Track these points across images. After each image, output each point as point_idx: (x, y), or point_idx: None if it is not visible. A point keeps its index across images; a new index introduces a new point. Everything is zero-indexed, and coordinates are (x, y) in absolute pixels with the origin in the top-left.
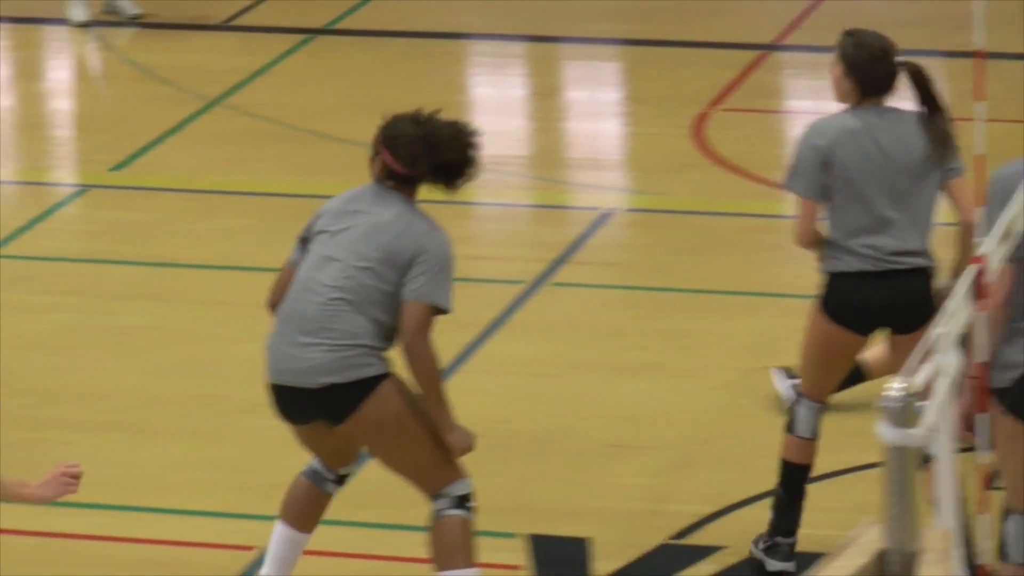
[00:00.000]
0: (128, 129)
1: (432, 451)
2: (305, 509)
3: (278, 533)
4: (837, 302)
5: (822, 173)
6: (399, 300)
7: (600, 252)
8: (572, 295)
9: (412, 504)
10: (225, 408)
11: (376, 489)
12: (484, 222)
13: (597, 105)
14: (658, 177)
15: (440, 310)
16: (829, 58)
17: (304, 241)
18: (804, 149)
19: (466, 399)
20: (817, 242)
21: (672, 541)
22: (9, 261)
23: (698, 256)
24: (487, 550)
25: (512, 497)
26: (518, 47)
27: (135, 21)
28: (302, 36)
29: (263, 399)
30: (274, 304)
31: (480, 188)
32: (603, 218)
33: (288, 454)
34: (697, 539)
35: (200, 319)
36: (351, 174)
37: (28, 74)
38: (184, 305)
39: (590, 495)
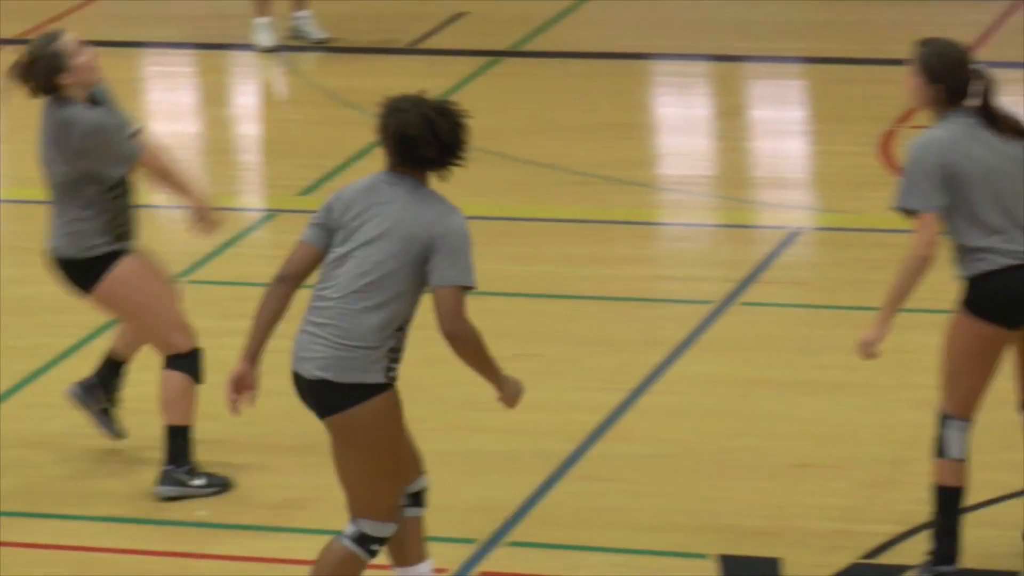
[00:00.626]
0: (315, 153)
1: (380, 481)
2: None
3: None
4: (988, 300)
5: (941, 186)
6: (419, 289)
7: (788, 271)
8: (760, 314)
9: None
10: (419, 431)
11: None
12: (672, 242)
13: (782, 124)
14: (845, 195)
15: (468, 288)
16: (1007, 73)
17: (319, 227)
18: (920, 165)
19: (656, 419)
20: (936, 255)
21: (863, 561)
22: (198, 286)
23: (886, 273)
24: (679, 570)
25: (702, 517)
26: (702, 66)
27: (321, 45)
28: (487, 58)
29: (459, 422)
30: (282, 279)
31: (667, 208)
32: (791, 237)
33: (485, 474)
34: (888, 559)
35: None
36: (537, 194)
37: (215, 99)
38: None
39: (780, 515)
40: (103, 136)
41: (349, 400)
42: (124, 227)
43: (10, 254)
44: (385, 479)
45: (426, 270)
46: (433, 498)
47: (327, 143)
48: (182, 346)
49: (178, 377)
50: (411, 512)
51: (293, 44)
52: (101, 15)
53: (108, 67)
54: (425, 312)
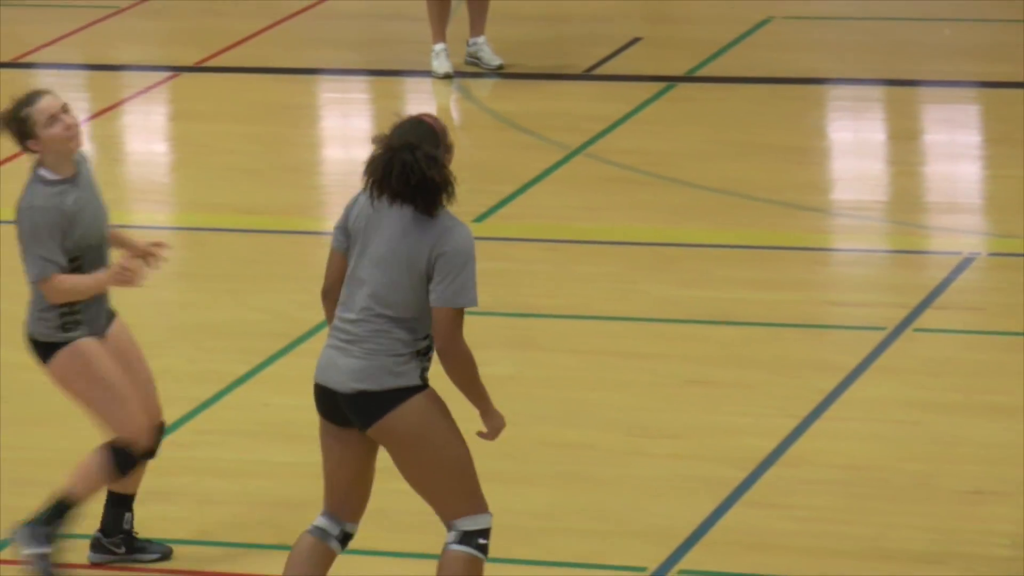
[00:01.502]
0: (490, 179)
1: (451, 478)
2: (312, 567)
3: None
4: None
5: None
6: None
7: (962, 296)
8: (933, 340)
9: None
10: (589, 457)
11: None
12: (844, 267)
13: (956, 147)
14: (1019, 220)
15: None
16: None
17: (340, 230)
18: None
19: (827, 444)
20: None
21: None
22: None
23: None
24: None
25: (873, 544)
26: (876, 91)
27: (497, 71)
28: (663, 83)
29: (629, 447)
30: (326, 293)
31: (840, 233)
32: (965, 262)
33: (655, 501)
34: None
35: (560, 368)
36: (710, 219)
37: (388, 125)
38: (545, 353)
39: (951, 542)
40: (34, 220)
41: (388, 405)
42: (78, 316)
43: (183, 280)
44: (453, 472)
45: (428, 289)
46: (603, 525)
47: (502, 169)
48: (134, 443)
49: (105, 459)
50: (457, 549)
51: (469, 70)
52: (277, 41)
53: (284, 93)
54: (591, 336)
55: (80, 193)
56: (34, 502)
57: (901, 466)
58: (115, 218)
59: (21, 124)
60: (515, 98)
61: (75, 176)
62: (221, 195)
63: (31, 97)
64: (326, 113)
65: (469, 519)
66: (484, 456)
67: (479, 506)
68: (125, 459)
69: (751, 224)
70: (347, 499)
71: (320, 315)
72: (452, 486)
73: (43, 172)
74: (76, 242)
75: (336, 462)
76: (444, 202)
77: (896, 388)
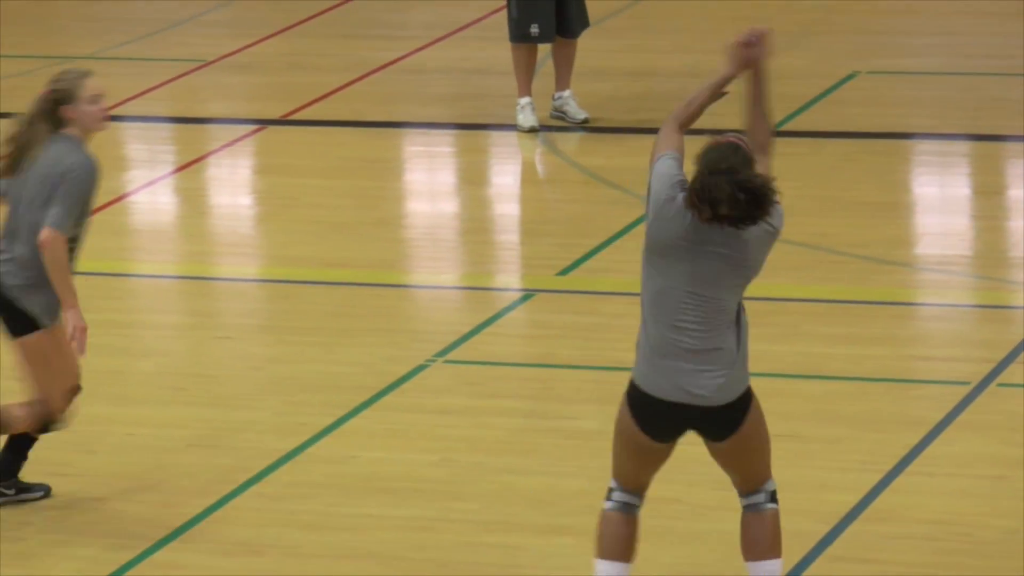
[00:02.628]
0: (575, 233)
1: (767, 449)
2: (628, 540)
3: (606, 572)
4: None
5: None
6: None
7: None
8: (1019, 395)
9: None
10: (676, 511)
11: None
12: (930, 322)
13: None
14: None
15: None
16: None
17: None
18: None
19: (913, 499)
20: None
21: None
22: (455, 366)
23: None
24: None
25: None
26: (962, 146)
27: (583, 125)
28: None
29: (713, 502)
30: None
31: (925, 288)
32: None
33: (734, 557)
34: None
35: None
36: (794, 274)
37: (475, 179)
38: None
39: None
40: (83, 179)
41: (745, 406)
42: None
43: (270, 333)
44: (767, 443)
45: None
46: None
47: (587, 222)
48: (53, 413)
49: (25, 414)
50: (772, 507)
51: (555, 124)
52: (364, 95)
53: (371, 147)
54: None
55: None
56: None
57: (988, 521)
58: (199, 271)
59: (68, 89)
60: (600, 152)
61: None
62: (307, 248)
63: (84, 72)
64: (412, 167)
65: (772, 481)
66: (570, 513)
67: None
68: (47, 424)
69: (838, 279)
70: (645, 484)
71: (406, 368)
72: (767, 456)
73: (72, 140)
74: (78, 219)
75: (645, 467)
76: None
77: (982, 443)
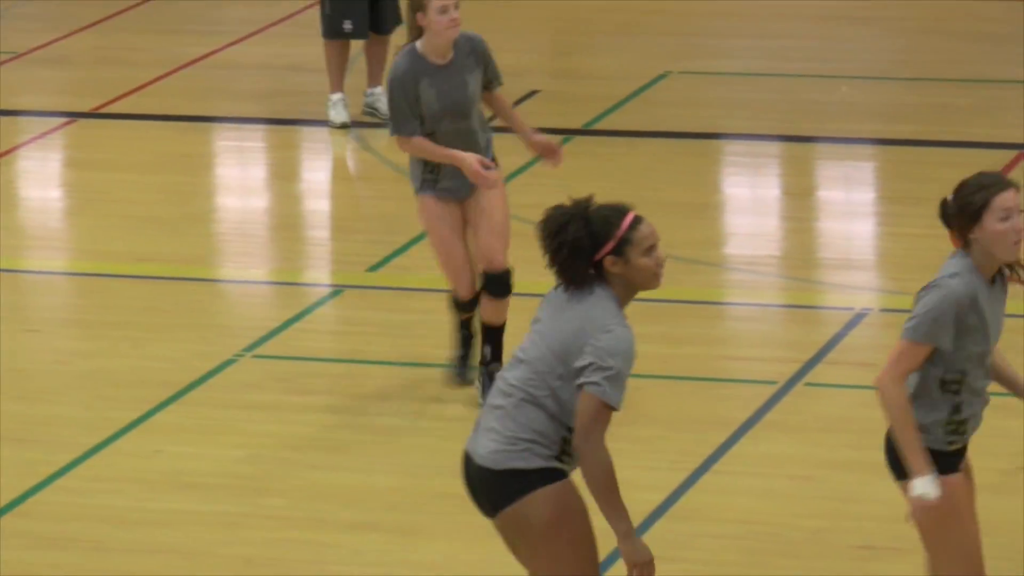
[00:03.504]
0: (385, 229)
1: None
2: None
3: None
4: None
5: None
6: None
7: (854, 352)
8: (826, 395)
9: None
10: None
11: None
12: (739, 322)
13: (852, 205)
14: (914, 278)
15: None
16: None
17: None
18: None
19: (719, 499)
20: None
21: None
22: (263, 360)
23: None
24: None
25: None
26: (774, 147)
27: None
28: (559, 136)
29: None
30: None
31: (734, 288)
32: (857, 318)
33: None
34: None
35: (457, 420)
36: None
37: (286, 175)
38: (440, 405)
39: None
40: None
41: (515, 491)
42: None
43: (79, 327)
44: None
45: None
46: None
47: (397, 219)
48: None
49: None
50: None
51: (366, 120)
52: (174, 90)
53: (180, 142)
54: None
55: (438, 77)
56: None
57: (794, 521)
58: (8, 263)
59: None
60: None
61: (448, 63)
62: (117, 243)
63: None
64: (223, 162)
65: None
66: (379, 509)
67: None
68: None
69: None
70: None
71: (214, 363)
72: None
73: (415, 46)
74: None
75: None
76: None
77: (788, 443)
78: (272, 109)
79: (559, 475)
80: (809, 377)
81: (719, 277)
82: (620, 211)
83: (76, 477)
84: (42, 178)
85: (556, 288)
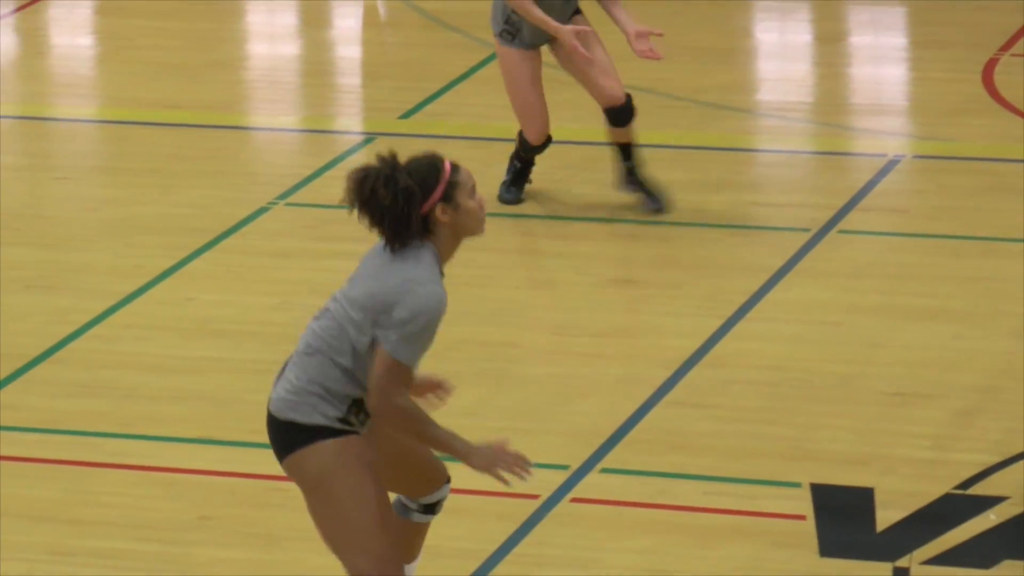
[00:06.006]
0: (416, 77)
1: (345, 531)
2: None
3: None
4: None
5: None
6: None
7: (886, 199)
8: (858, 242)
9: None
10: (515, 355)
11: None
12: (770, 168)
13: (883, 50)
14: (946, 123)
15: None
16: None
17: None
18: None
19: (751, 345)
20: None
21: (956, 491)
22: (297, 209)
23: (987, 202)
24: (770, 498)
25: (795, 445)
26: None
27: None
28: None
29: (552, 347)
30: None
31: (765, 135)
32: (890, 165)
33: (578, 400)
34: (981, 489)
35: (484, 266)
36: (639, 119)
37: (315, 22)
38: (468, 252)
39: (873, 443)
40: None
41: (294, 441)
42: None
43: (107, 175)
44: (346, 526)
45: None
46: (527, 424)
47: (427, 66)
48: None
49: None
50: (419, 518)
51: None
52: None
53: None
54: (515, 235)
55: None
56: None
57: (824, 367)
58: (36, 111)
59: None
60: None
61: None
62: (145, 89)
63: None
64: (250, 8)
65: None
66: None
67: (384, 566)
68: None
69: (676, 124)
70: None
71: (246, 211)
72: (346, 541)
73: None
74: None
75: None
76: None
77: (820, 290)
78: None
79: (339, 434)
80: (842, 224)
81: (749, 123)
82: (437, 158)
83: (108, 325)
84: (69, 25)
85: (378, 245)
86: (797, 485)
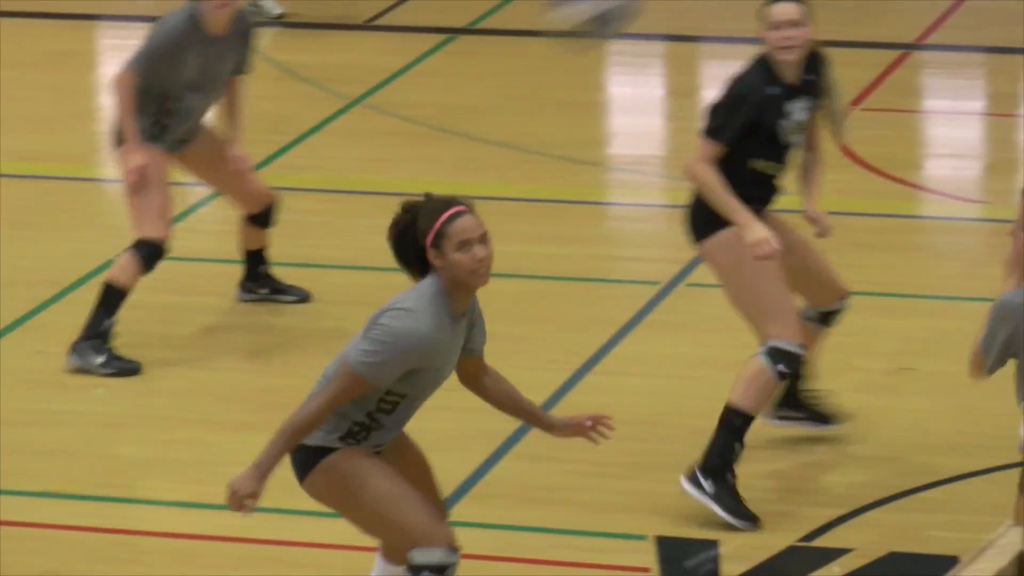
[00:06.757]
0: (269, 129)
1: (378, 515)
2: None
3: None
4: None
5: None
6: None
7: None
8: (707, 295)
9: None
10: None
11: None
12: (621, 222)
13: None
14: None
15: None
16: (971, 58)
17: None
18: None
19: (601, 399)
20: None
21: (800, 543)
22: None
23: (839, 256)
24: (616, 552)
25: (641, 498)
26: (657, 47)
27: (278, 20)
28: (444, 36)
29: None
30: None
31: (617, 188)
32: None
33: (429, 452)
34: (825, 541)
35: (345, 319)
36: (492, 173)
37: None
38: (328, 306)
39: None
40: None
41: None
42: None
43: None
44: (378, 512)
45: None
46: None
47: (282, 119)
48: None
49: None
50: None
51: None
52: None
53: (65, 40)
54: (374, 289)
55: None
56: None
57: (674, 420)
58: None
59: None
60: (296, 48)
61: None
62: (1, 140)
63: None
64: (106, 60)
65: (419, 552)
66: (258, 410)
67: (429, 538)
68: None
69: (532, 178)
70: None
71: (96, 263)
72: (383, 524)
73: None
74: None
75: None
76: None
77: (671, 342)
78: (155, 7)
79: (327, 450)
80: (691, 278)
81: (603, 177)
82: (446, 204)
83: None
84: None
85: None
86: (642, 538)
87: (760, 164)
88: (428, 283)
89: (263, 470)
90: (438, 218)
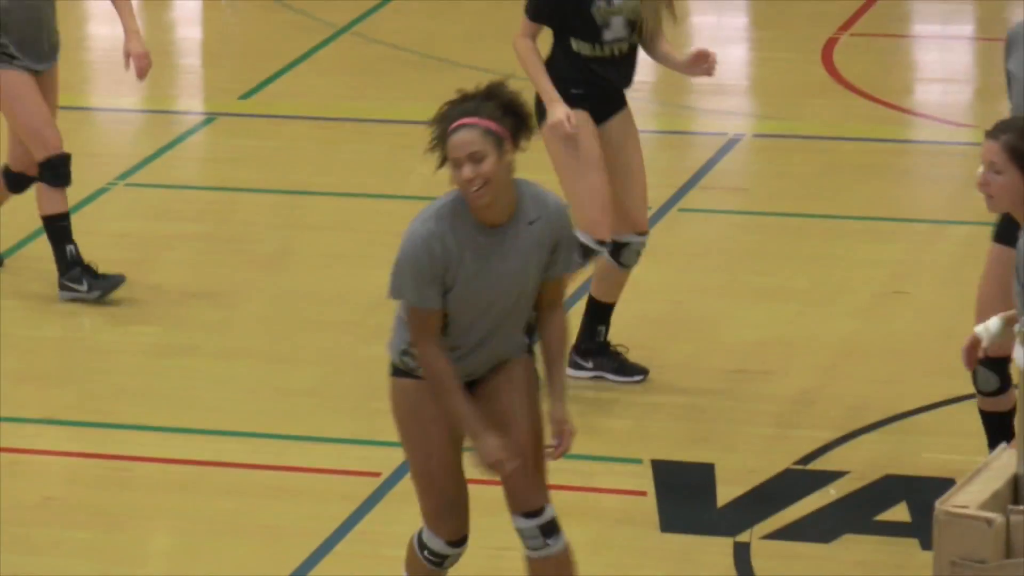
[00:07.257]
0: (257, 57)
1: (412, 469)
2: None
3: None
4: None
5: None
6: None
7: (727, 177)
8: (698, 220)
9: None
10: (354, 335)
11: None
12: None
13: (724, 31)
14: (786, 103)
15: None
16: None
17: None
18: None
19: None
20: None
21: (796, 467)
22: (135, 189)
23: (827, 182)
24: (612, 475)
25: (637, 423)
26: None
27: None
28: None
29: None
30: None
31: None
32: (730, 144)
33: None
34: (821, 464)
35: (328, 246)
36: None
37: (157, 3)
38: (311, 232)
39: (715, 420)
40: None
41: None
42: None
43: None
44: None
45: None
46: (380, 406)
47: (269, 47)
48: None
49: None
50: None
51: None
52: None
53: None
54: (362, 215)
55: None
56: None
57: (664, 347)
58: None
59: None
60: None
61: None
62: None
63: None
64: None
65: (424, 533)
66: (249, 336)
67: (434, 524)
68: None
69: None
70: None
71: (87, 191)
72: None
73: None
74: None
75: None
76: None
77: (662, 269)
78: None
79: (405, 375)
80: (682, 203)
81: None
82: (458, 114)
83: None
84: None
85: None
86: (638, 462)
87: (576, 45)
88: (449, 192)
89: (477, 432)
90: (446, 129)
